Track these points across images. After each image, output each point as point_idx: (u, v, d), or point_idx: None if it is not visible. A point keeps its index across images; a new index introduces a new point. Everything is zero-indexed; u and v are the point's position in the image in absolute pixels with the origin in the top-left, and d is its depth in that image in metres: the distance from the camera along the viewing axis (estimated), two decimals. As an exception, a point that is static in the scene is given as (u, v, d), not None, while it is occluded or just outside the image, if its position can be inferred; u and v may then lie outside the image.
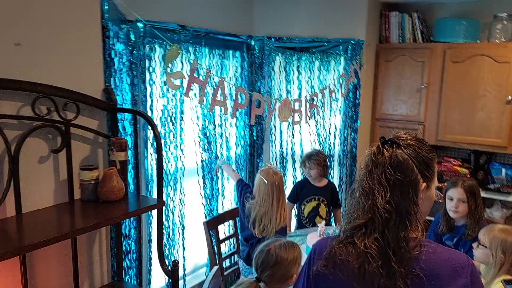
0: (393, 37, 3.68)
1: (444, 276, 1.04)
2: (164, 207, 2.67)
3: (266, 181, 2.61)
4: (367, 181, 1.12)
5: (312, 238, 2.65)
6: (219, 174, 3.10)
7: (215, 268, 2.09)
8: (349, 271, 1.10)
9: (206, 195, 3.00)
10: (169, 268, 1.79)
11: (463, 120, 3.39)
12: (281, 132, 3.52)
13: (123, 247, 2.03)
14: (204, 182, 2.97)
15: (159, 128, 2.62)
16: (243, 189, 2.80)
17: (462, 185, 2.56)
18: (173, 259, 2.75)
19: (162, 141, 2.64)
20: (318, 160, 3.18)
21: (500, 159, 3.57)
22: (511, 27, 3.27)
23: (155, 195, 2.65)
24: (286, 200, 3.33)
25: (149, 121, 1.76)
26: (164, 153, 2.66)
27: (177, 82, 2.13)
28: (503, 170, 3.34)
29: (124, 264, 2.06)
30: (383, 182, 1.08)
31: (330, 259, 1.14)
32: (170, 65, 2.36)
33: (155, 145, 1.76)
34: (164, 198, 2.69)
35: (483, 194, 3.37)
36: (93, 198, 1.69)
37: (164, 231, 2.71)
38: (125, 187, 1.74)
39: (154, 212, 2.64)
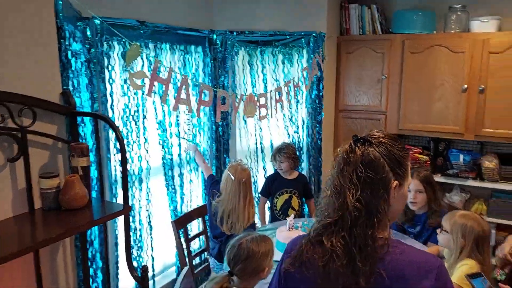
0: (354, 29, 3.73)
1: (409, 278, 1.04)
2: (131, 210, 2.63)
3: (233, 178, 2.59)
4: (338, 179, 1.12)
5: (281, 231, 2.66)
6: (184, 171, 3.05)
7: (186, 268, 2.07)
8: (314, 269, 1.11)
9: (171, 194, 2.95)
10: (139, 274, 1.75)
11: (422, 109, 3.49)
12: (247, 128, 3.50)
13: (89, 254, 1.97)
14: (167, 181, 2.91)
15: (120, 127, 2.55)
16: (212, 186, 2.78)
17: (418, 176, 2.65)
18: (142, 262, 2.72)
19: (125, 141, 2.58)
20: (288, 153, 3.21)
21: (457, 145, 3.70)
22: (465, 18, 3.37)
23: (120, 198, 2.60)
24: (259, 195, 3.36)
25: (112, 125, 1.71)
26: (127, 153, 2.59)
27: (140, 82, 2.07)
28: (461, 156, 3.47)
29: (91, 271, 2.00)
30: (354, 180, 1.09)
31: (297, 258, 1.14)
32: (131, 64, 2.28)
33: (119, 150, 1.70)
34: (130, 200, 2.63)
35: (443, 179, 3.51)
36: (55, 206, 1.62)
37: (131, 232, 2.67)
38: (89, 194, 1.68)
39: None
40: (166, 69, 2.26)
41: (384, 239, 1.08)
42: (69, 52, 1.89)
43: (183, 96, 2.18)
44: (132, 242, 2.66)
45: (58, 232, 1.44)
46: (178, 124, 2.95)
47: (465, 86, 3.28)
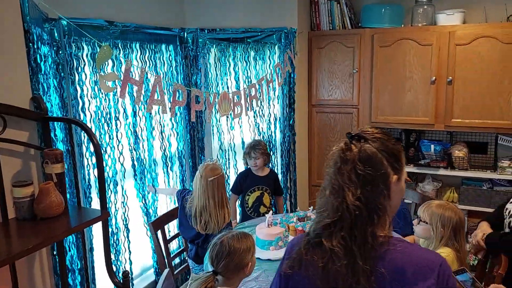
0: (324, 24, 3.76)
1: (409, 276, 1.02)
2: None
3: (200, 176, 2.58)
4: (336, 178, 1.09)
5: (260, 228, 2.67)
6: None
7: (166, 270, 2.06)
8: (314, 271, 1.09)
9: (143, 196, 2.91)
10: (120, 280, 1.72)
11: (393, 101, 3.56)
12: (221, 125, 3.49)
13: (67, 262, 1.92)
14: (138, 183, 2.87)
15: (93, 130, 2.49)
16: (183, 193, 2.76)
17: None
18: (120, 266, 2.68)
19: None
20: (262, 149, 3.22)
21: (428, 136, 3.80)
22: (431, 11, 3.45)
23: (95, 202, 2.55)
24: (230, 192, 3.35)
25: (86, 130, 1.66)
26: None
27: (111, 84, 2.03)
28: (432, 146, 3.57)
29: (70, 280, 1.96)
30: (353, 178, 1.06)
31: (297, 260, 1.13)
32: (102, 66, 2.24)
33: (95, 154, 1.65)
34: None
35: (415, 170, 3.60)
36: (30, 216, 1.57)
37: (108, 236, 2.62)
38: (65, 201, 1.64)
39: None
40: (137, 69, 2.23)
41: (385, 237, 1.07)
42: (38, 56, 1.83)
43: (156, 96, 2.15)
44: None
45: (34, 242, 1.40)
46: (150, 125, 2.90)
47: (434, 77, 3.37)
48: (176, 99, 2.33)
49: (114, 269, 2.66)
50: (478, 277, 2.20)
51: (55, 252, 1.79)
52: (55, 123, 1.99)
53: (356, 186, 1.06)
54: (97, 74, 2.08)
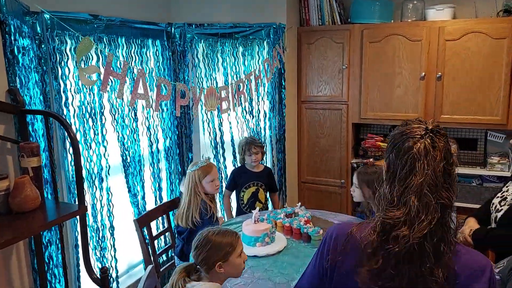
0: (313, 19, 3.74)
1: (463, 279, 1.03)
2: (90, 210, 2.54)
3: (187, 172, 2.67)
4: (431, 179, 1.04)
5: (247, 225, 2.64)
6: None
7: (150, 267, 2.02)
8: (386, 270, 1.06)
9: (131, 193, 2.88)
10: (98, 276, 1.69)
11: (382, 97, 3.55)
12: (210, 121, 3.45)
13: (46, 258, 1.88)
14: (127, 179, 2.83)
15: (77, 125, 2.46)
16: None
17: (359, 174, 2.65)
18: (105, 263, 2.64)
19: (82, 139, 2.49)
20: (260, 144, 3.24)
21: (418, 132, 3.78)
22: (421, 6, 3.44)
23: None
24: (224, 189, 3.34)
25: (63, 123, 1.63)
26: (85, 152, 2.51)
27: (94, 77, 1.99)
28: (421, 143, 3.54)
29: (49, 275, 1.92)
30: (446, 179, 1.05)
31: (372, 254, 1.08)
32: (83, 59, 2.20)
33: (72, 148, 1.62)
34: (90, 200, 2.55)
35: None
36: (4, 210, 1.53)
37: (93, 233, 2.58)
38: (41, 195, 1.60)
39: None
40: (121, 63, 2.19)
41: (453, 240, 1.07)
42: (15, 48, 1.79)
43: (140, 90, 2.11)
44: (94, 243, 2.59)
45: (8, 237, 1.36)
46: (136, 121, 2.86)
47: (423, 73, 3.36)
48: (161, 93, 2.30)
49: (100, 266, 2.63)
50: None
51: (33, 247, 1.76)
52: (37, 117, 1.95)
53: (449, 186, 1.06)
54: (78, 67, 2.04)
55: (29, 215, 1.51)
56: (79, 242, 2.48)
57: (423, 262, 1.03)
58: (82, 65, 2.15)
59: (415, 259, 1.03)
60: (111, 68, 1.92)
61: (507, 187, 2.15)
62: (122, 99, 2.62)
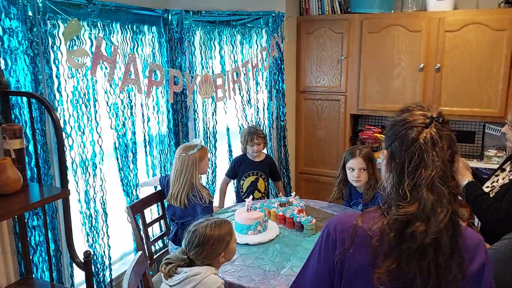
0: (313, 9, 3.70)
1: (466, 257, 1.03)
2: (83, 197, 2.54)
3: (184, 155, 2.65)
4: (442, 170, 1.01)
5: (239, 213, 2.63)
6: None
7: (139, 253, 2.01)
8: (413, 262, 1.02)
9: (124, 180, 2.87)
10: (82, 260, 1.69)
11: (380, 88, 3.51)
12: (205, 110, 3.43)
13: (33, 241, 1.88)
14: (121, 166, 2.83)
15: (70, 111, 2.45)
16: (166, 178, 2.78)
17: (360, 154, 2.67)
18: (96, 250, 2.64)
19: (76, 125, 2.48)
20: (263, 134, 3.24)
21: (416, 124, 3.75)
22: (422, -4, 3.39)
23: (71, 184, 2.51)
24: (224, 175, 3.35)
25: (45, 105, 1.61)
26: (78, 138, 2.50)
27: (84, 60, 1.97)
28: (419, 135, 3.51)
29: (36, 259, 1.92)
30: (451, 167, 1.03)
31: (394, 249, 1.03)
32: (71, 42, 2.18)
33: (55, 131, 1.61)
34: (84, 185, 2.55)
35: (402, 158, 3.55)
36: (-14, 192, 1.53)
37: (86, 220, 2.58)
38: (24, 178, 1.59)
39: (73, 201, 2.49)
40: (112, 48, 2.17)
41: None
42: (1, 29, 1.77)
43: (130, 76, 2.09)
44: (87, 230, 2.59)
45: (-11, 218, 1.36)
46: (131, 107, 2.85)
47: (422, 65, 3.32)
48: (153, 79, 2.28)
49: (92, 252, 2.63)
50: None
51: (17, 232, 1.75)
52: (24, 100, 1.94)
53: (455, 173, 1.03)
54: (66, 50, 2.02)
55: (10, 198, 1.50)
56: (73, 227, 2.50)
57: (438, 256, 1.00)
58: (70, 48, 2.12)
59: (431, 253, 1.00)
60: (101, 52, 1.90)
61: (496, 176, 2.14)
62: (117, 84, 2.61)
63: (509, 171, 2.09)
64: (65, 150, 2.37)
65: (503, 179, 2.09)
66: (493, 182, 2.14)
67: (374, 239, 1.05)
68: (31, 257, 1.87)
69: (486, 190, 2.09)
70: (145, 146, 3.06)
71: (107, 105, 2.68)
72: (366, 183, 2.69)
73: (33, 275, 1.86)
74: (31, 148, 1.99)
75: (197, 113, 3.38)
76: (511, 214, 1.87)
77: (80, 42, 2.42)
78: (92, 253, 1.73)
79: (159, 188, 2.98)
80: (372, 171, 2.68)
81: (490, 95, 3.15)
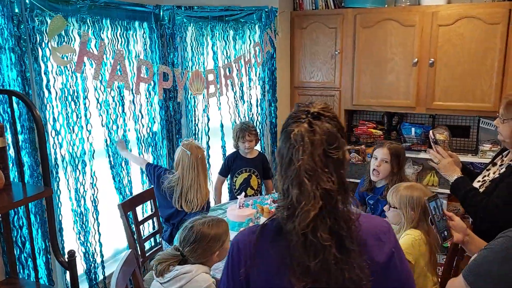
0: (306, 3, 3.68)
1: (371, 246, 1.03)
2: (74, 194, 2.52)
3: (189, 153, 2.53)
4: (309, 164, 0.99)
5: (231, 210, 2.63)
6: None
7: (128, 252, 2.00)
8: (298, 268, 1.00)
9: (116, 177, 2.85)
10: (65, 259, 1.67)
11: (374, 83, 3.49)
12: (196, 105, 3.41)
13: (19, 241, 1.86)
14: (112, 164, 2.80)
15: (59, 108, 2.42)
16: (156, 170, 2.70)
17: (388, 147, 2.64)
18: (90, 248, 2.63)
19: (65, 122, 2.46)
20: (255, 130, 3.22)
21: (410, 119, 3.74)
22: (415, -10, 3.36)
23: (62, 183, 2.50)
24: (217, 174, 3.34)
25: (26, 102, 1.59)
26: (68, 135, 2.48)
27: (71, 57, 1.95)
28: (413, 129, 3.51)
29: (23, 258, 1.90)
30: (327, 162, 1.00)
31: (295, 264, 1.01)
32: (59, 39, 2.16)
33: (36, 128, 1.58)
34: (74, 184, 2.53)
35: (396, 153, 3.53)
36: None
37: (76, 218, 2.57)
38: (7, 176, 1.57)
39: (64, 199, 2.48)
40: (106, 44, 2.15)
41: (356, 214, 1.05)
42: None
43: (119, 72, 2.07)
44: (78, 227, 2.58)
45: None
46: (123, 105, 2.83)
47: (416, 59, 3.29)
48: (142, 75, 2.26)
49: (84, 250, 2.62)
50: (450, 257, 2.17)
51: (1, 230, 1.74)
52: (4, 97, 1.91)
53: (331, 170, 1.00)
54: (50, 46, 1.99)
55: (-7, 196, 1.49)
56: (64, 226, 2.48)
57: (325, 251, 0.98)
58: (55, 44, 2.10)
59: (314, 250, 0.99)
60: (87, 49, 1.88)
61: (487, 170, 2.12)
62: (98, 80, 2.57)
63: (500, 165, 2.08)
64: (52, 148, 2.39)
65: (494, 173, 2.08)
66: (484, 176, 2.13)
67: (270, 245, 1.06)
68: (17, 257, 1.86)
69: (477, 184, 2.08)
70: (138, 144, 3.04)
71: (98, 102, 2.65)
72: (388, 179, 2.65)
73: (20, 275, 1.84)
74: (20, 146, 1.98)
75: (190, 110, 3.36)
76: (500, 209, 1.86)
77: (69, 38, 2.40)
78: (75, 252, 1.71)
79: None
80: (396, 169, 2.62)
81: (484, 89, 3.13)
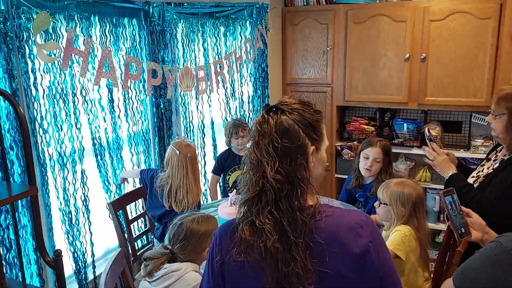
0: (298, -1, 3.65)
1: (345, 240, 1.03)
2: (62, 194, 2.49)
3: (178, 152, 2.51)
4: (254, 153, 1.07)
5: (223, 207, 2.61)
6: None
7: (117, 251, 1.97)
8: (255, 252, 1.05)
9: (104, 176, 2.82)
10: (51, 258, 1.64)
11: (367, 79, 3.48)
12: (188, 103, 3.38)
13: (6, 241, 1.83)
14: (100, 163, 2.77)
15: (47, 106, 2.39)
16: (149, 173, 2.68)
17: (379, 145, 2.64)
18: (81, 247, 2.60)
19: (53, 120, 2.43)
20: (248, 127, 3.20)
21: (402, 115, 3.73)
22: (406, -15, 3.35)
23: (51, 181, 2.46)
24: (211, 173, 3.30)
25: (9, 99, 1.56)
26: (56, 134, 2.45)
27: (57, 54, 1.92)
28: (405, 125, 3.50)
29: (11, 258, 1.87)
30: (271, 152, 1.04)
31: (244, 245, 1.07)
32: (46, 36, 2.13)
33: (20, 127, 1.56)
34: (63, 183, 2.50)
35: (389, 149, 3.53)
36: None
37: (65, 217, 2.54)
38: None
39: (53, 199, 2.45)
40: (93, 41, 2.12)
41: (314, 207, 1.06)
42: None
43: (106, 69, 2.04)
44: (67, 227, 2.55)
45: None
46: (112, 102, 2.79)
47: (407, 55, 3.29)
48: (130, 72, 2.23)
49: (73, 250, 2.59)
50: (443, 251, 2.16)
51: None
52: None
53: (275, 159, 1.04)
54: (35, 43, 1.96)
55: (-23, 196, 1.46)
56: (54, 225, 2.45)
57: (266, 235, 1.03)
58: (41, 42, 2.07)
59: (259, 233, 1.04)
60: (73, 46, 1.84)
61: (482, 166, 2.12)
62: (85, 77, 2.53)
63: (494, 161, 2.07)
64: (41, 146, 2.35)
65: (488, 168, 2.08)
66: (479, 172, 2.13)
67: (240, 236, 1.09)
68: (4, 257, 1.83)
69: (472, 180, 2.07)
70: (129, 142, 3.01)
71: (84, 100, 2.61)
72: (377, 177, 2.65)
73: (7, 275, 1.81)
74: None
75: (182, 107, 3.33)
76: (494, 204, 1.85)
77: (57, 36, 2.36)
78: (62, 252, 1.68)
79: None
80: (386, 166, 2.64)
81: (476, 84, 3.13)
